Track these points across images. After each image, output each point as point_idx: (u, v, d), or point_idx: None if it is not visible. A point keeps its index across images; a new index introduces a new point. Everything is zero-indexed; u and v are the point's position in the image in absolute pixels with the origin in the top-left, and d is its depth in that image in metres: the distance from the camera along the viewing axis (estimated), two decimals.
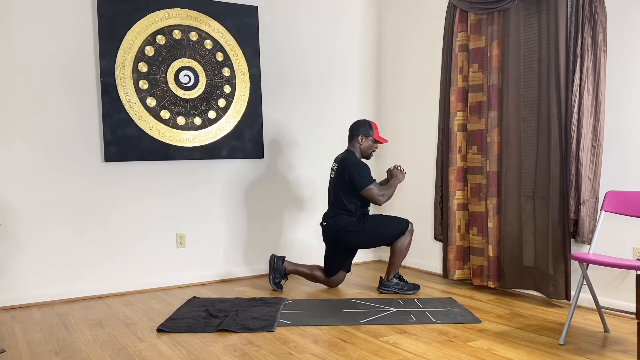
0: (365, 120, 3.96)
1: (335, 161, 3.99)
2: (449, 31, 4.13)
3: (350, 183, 3.80)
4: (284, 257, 4.03)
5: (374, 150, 3.98)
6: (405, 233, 3.85)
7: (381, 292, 3.88)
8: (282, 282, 4.02)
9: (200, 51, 4.25)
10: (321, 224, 4.01)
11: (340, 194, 3.86)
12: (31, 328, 3.18)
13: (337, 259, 3.98)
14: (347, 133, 4.10)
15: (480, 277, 3.97)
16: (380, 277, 3.98)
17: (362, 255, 5.08)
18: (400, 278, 3.91)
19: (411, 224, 3.91)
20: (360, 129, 3.92)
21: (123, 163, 4.02)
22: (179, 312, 3.41)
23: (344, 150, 4.10)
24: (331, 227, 3.89)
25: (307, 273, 4.04)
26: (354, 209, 3.86)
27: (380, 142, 3.96)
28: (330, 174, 4.02)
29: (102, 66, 3.89)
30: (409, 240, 3.88)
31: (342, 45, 4.97)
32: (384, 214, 4.22)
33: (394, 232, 3.85)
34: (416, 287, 3.89)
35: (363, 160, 3.97)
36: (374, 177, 3.91)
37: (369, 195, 3.79)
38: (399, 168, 3.94)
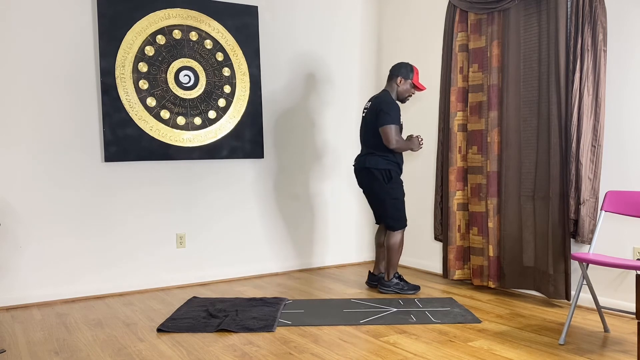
0: (407, 63, 3.87)
1: (369, 100, 3.91)
2: (449, 31, 4.13)
3: (377, 118, 3.70)
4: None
5: (411, 95, 3.88)
6: (398, 230, 3.84)
7: (381, 292, 3.89)
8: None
9: (200, 51, 4.25)
10: (353, 165, 3.95)
11: (372, 132, 3.77)
12: (31, 328, 3.18)
13: (373, 204, 3.93)
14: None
15: (480, 277, 3.97)
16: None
17: (361, 255, 5.08)
18: (400, 278, 3.91)
19: (406, 226, 3.93)
20: (402, 70, 3.83)
21: (123, 163, 4.02)
22: (179, 312, 3.41)
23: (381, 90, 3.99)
24: (358, 165, 3.84)
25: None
26: (387, 151, 3.75)
27: (419, 88, 3.88)
28: (363, 112, 3.90)
29: (102, 66, 3.89)
30: (401, 238, 3.85)
31: (342, 44, 4.97)
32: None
33: (394, 215, 3.80)
34: (416, 288, 3.89)
35: (398, 103, 3.87)
36: (401, 122, 3.79)
37: (386, 132, 3.67)
38: (419, 139, 3.84)
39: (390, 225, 3.84)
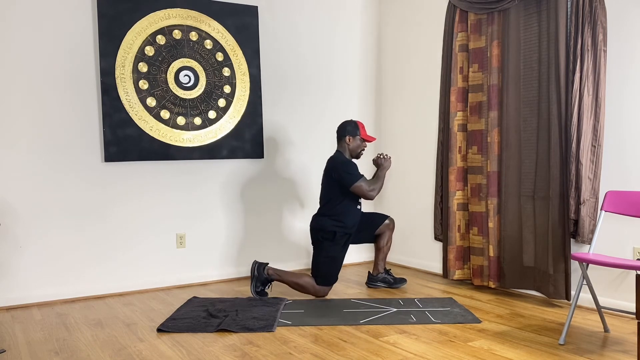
0: (351, 120, 3.91)
1: (326, 163, 3.97)
2: (449, 31, 4.13)
3: (339, 181, 3.76)
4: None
5: (363, 150, 3.93)
6: (324, 287, 3.77)
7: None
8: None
9: (200, 51, 4.25)
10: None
11: (327, 192, 3.84)
12: (31, 328, 3.18)
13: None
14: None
15: (480, 277, 3.97)
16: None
17: (361, 255, 5.08)
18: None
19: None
20: (347, 129, 3.87)
21: (123, 163, 4.02)
22: (179, 312, 3.41)
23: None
24: (312, 226, 3.86)
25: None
26: (338, 213, 3.79)
27: (368, 141, 3.91)
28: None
29: (102, 66, 3.89)
30: (320, 292, 3.78)
31: (342, 45, 4.97)
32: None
33: (323, 272, 3.76)
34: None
35: (353, 160, 3.91)
36: (362, 174, 3.84)
37: (358, 191, 3.74)
38: (383, 156, 3.89)
39: (316, 279, 3.77)
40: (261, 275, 3.78)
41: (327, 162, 3.91)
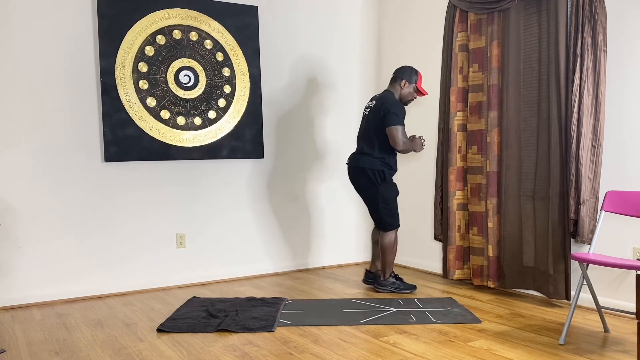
0: (412, 67, 3.88)
1: (372, 99, 3.90)
2: (449, 31, 4.13)
3: (383, 117, 3.69)
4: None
5: (413, 99, 3.89)
6: (391, 230, 3.83)
7: (377, 291, 3.91)
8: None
9: (200, 51, 4.25)
10: (346, 162, 3.93)
11: (372, 131, 3.77)
12: (31, 328, 3.18)
13: (367, 204, 3.93)
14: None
15: (480, 277, 3.97)
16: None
17: (361, 255, 5.08)
18: (396, 277, 3.93)
19: (399, 226, 3.94)
20: (406, 73, 3.83)
21: (123, 163, 4.02)
22: (179, 312, 3.41)
23: (383, 91, 3.97)
24: (352, 164, 3.84)
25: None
26: (383, 151, 3.75)
27: (422, 93, 3.88)
28: (364, 111, 3.92)
29: (102, 66, 3.89)
30: (394, 238, 3.85)
31: (342, 44, 4.97)
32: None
33: (389, 218, 3.81)
34: (412, 287, 3.90)
35: None
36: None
37: (393, 133, 3.66)
38: (422, 139, 3.83)
39: (382, 226, 3.84)
40: (388, 283, 3.87)
41: (375, 99, 3.84)
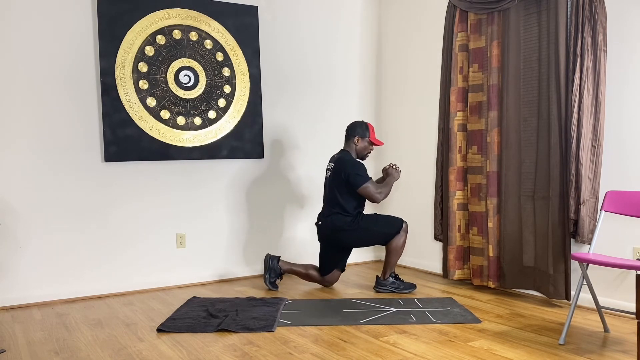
0: (362, 121, 3.98)
1: (331, 161, 4.01)
2: (449, 31, 4.13)
3: (347, 182, 3.81)
4: (279, 256, 4.04)
5: (369, 152, 4.01)
6: (400, 232, 3.87)
7: (377, 291, 3.91)
8: (278, 281, 4.04)
9: (200, 51, 4.25)
10: (316, 223, 4.03)
11: (337, 193, 3.87)
12: (31, 328, 3.18)
13: (332, 258, 4.00)
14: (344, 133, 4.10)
15: (480, 277, 3.97)
16: (377, 277, 4.00)
17: (361, 255, 5.08)
18: (396, 277, 3.94)
19: (405, 222, 3.93)
20: (357, 130, 3.93)
21: (123, 163, 4.02)
22: (179, 312, 3.41)
23: (339, 150, 4.09)
24: (326, 227, 3.91)
25: (302, 272, 4.06)
26: (350, 209, 3.87)
27: (376, 144, 3.98)
28: (326, 173, 4.03)
29: (102, 66, 3.89)
30: (404, 239, 3.89)
31: (342, 45, 4.97)
32: (378, 213, 4.25)
33: (388, 230, 3.86)
34: (412, 286, 3.90)
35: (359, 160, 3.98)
36: (369, 176, 3.92)
37: (366, 193, 3.80)
38: (394, 167, 3.96)
39: (392, 235, 3.86)
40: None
41: (334, 161, 3.94)
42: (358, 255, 5.07)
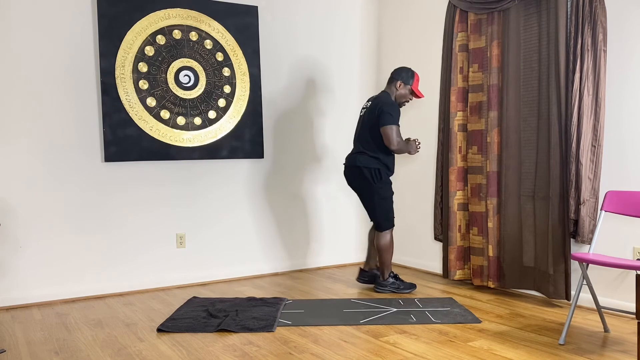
0: (410, 68, 3.88)
1: (368, 100, 3.92)
2: (449, 31, 4.13)
3: (378, 117, 3.70)
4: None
5: (408, 101, 3.90)
6: (387, 230, 3.83)
7: (377, 292, 3.91)
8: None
9: (200, 51, 4.25)
10: (343, 163, 3.94)
11: (367, 131, 3.78)
12: (31, 328, 3.18)
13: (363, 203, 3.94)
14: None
15: (480, 277, 3.97)
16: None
17: (361, 255, 5.08)
18: (396, 277, 3.94)
19: (394, 226, 3.92)
20: (402, 75, 3.83)
21: (123, 163, 4.02)
22: (179, 312, 3.41)
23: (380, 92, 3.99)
24: (349, 165, 3.84)
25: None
26: (377, 150, 3.75)
27: (417, 96, 3.88)
28: (361, 112, 3.93)
29: (102, 66, 3.89)
30: (390, 238, 3.84)
31: (342, 44, 4.97)
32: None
33: (382, 215, 3.80)
34: (412, 286, 3.91)
35: None
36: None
37: (387, 132, 3.66)
38: (417, 142, 3.84)
39: (378, 225, 3.84)
40: (387, 284, 3.88)
41: (372, 100, 3.86)
42: (357, 256, 5.07)
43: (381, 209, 3.81)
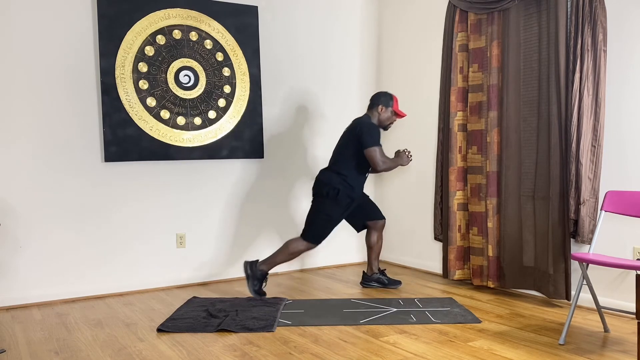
0: (387, 92, 3.92)
1: (351, 122, 3.93)
2: (449, 31, 4.13)
3: (358, 140, 3.72)
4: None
5: (392, 123, 3.92)
6: (307, 242, 3.75)
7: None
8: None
9: (200, 51, 4.25)
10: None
11: (342, 149, 3.80)
12: (31, 328, 3.18)
13: (350, 215, 3.98)
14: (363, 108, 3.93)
15: (480, 277, 3.97)
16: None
17: (361, 256, 5.08)
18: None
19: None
20: (381, 99, 3.87)
21: (123, 163, 4.02)
22: (179, 312, 3.41)
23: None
24: (316, 177, 3.85)
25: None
26: (345, 170, 3.74)
27: (400, 116, 3.90)
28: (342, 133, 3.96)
29: (102, 66, 3.89)
30: (303, 250, 3.76)
31: (341, 44, 4.97)
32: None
33: (317, 230, 3.72)
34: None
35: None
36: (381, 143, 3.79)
37: (371, 155, 3.68)
38: (407, 153, 3.86)
39: (305, 233, 3.75)
40: (255, 272, 3.75)
41: (352, 121, 3.88)
42: (357, 256, 5.07)
43: (318, 225, 3.74)
